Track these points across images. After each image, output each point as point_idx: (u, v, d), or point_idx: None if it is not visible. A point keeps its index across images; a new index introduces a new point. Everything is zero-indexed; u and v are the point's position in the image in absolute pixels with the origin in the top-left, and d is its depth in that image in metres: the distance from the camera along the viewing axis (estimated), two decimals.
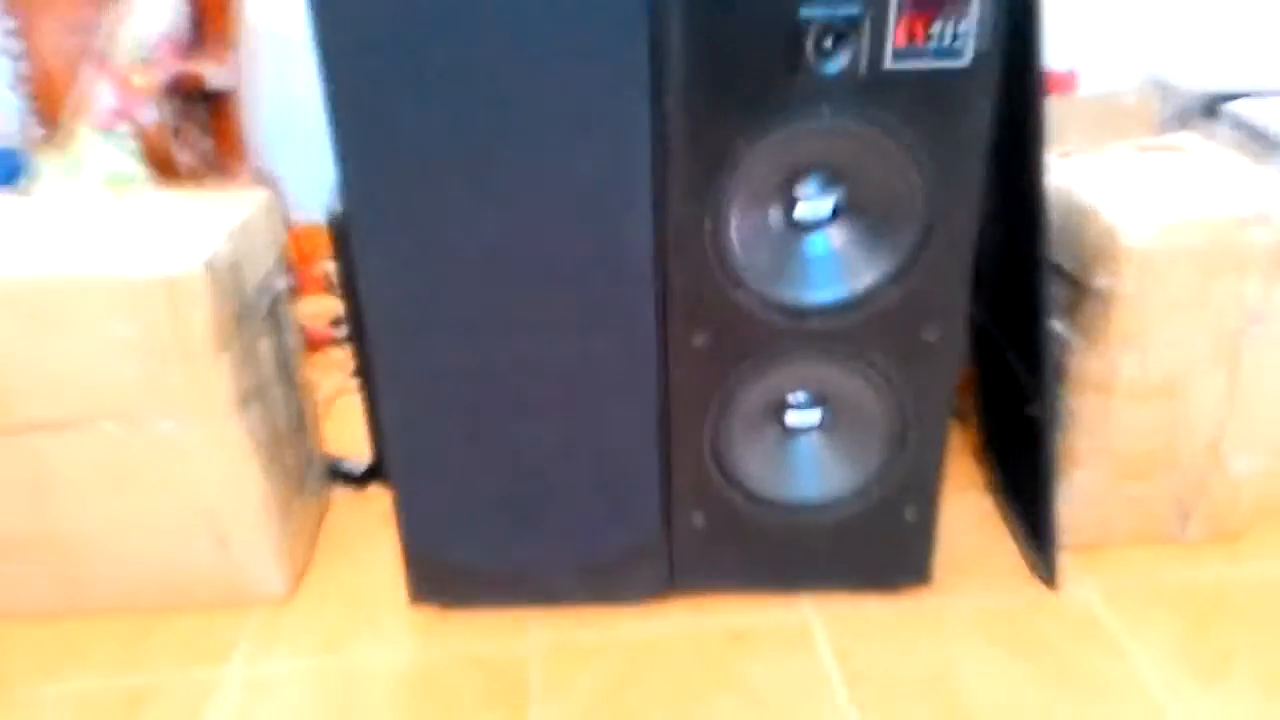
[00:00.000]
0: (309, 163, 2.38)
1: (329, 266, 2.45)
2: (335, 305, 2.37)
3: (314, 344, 2.22)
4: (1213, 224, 1.35)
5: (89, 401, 1.35)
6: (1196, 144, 1.62)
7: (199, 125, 2.01)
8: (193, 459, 1.38)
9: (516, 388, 1.28)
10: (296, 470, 1.58)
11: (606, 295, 1.24)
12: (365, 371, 1.43)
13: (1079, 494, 1.52)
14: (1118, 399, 1.44)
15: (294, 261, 2.42)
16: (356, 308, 1.33)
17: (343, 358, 2.18)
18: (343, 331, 2.31)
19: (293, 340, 1.59)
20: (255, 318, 1.45)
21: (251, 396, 1.41)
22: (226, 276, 1.35)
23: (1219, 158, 1.55)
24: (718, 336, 1.29)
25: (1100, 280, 1.38)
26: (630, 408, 1.31)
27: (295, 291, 2.40)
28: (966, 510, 1.68)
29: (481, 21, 1.09)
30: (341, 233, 1.30)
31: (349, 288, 1.36)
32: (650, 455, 1.34)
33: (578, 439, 1.32)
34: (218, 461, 1.39)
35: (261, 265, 1.49)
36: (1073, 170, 1.48)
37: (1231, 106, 2.00)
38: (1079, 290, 1.43)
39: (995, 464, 1.71)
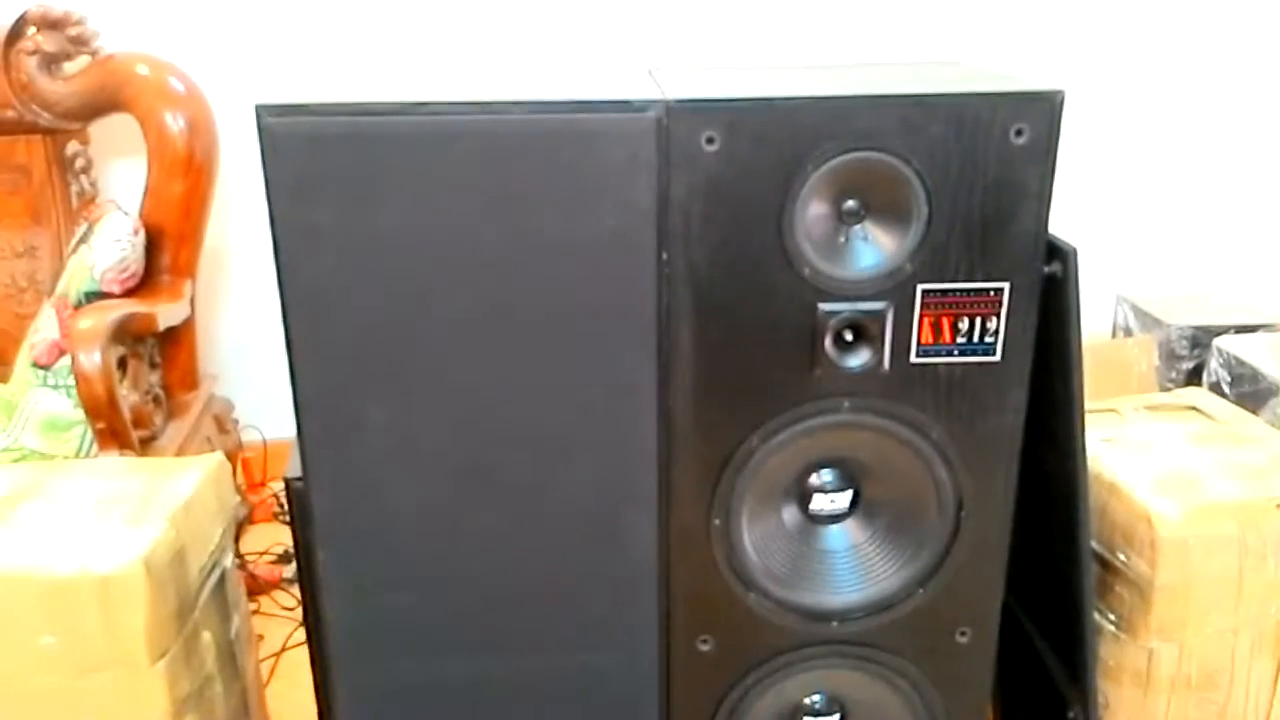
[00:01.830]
0: (265, 380, 2.27)
1: (279, 489, 2.29)
2: (284, 536, 2.21)
3: (260, 588, 2.04)
4: (1248, 507, 1.27)
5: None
6: (1207, 401, 1.55)
7: (147, 359, 1.88)
8: None
9: (500, 710, 1.12)
10: None
11: (606, 603, 1.10)
12: (314, 628, 1.26)
13: None
14: (1156, 692, 1.32)
15: (244, 492, 2.26)
16: (310, 565, 1.17)
17: (291, 603, 2.00)
18: (291, 571, 2.14)
19: (238, 621, 1.42)
20: (197, 608, 1.28)
21: (189, 705, 1.23)
22: (167, 570, 1.19)
23: (1235, 420, 1.48)
24: (726, 642, 1.15)
25: (1133, 565, 1.28)
26: None
27: (244, 524, 2.23)
28: None
29: (471, 316, 0.99)
30: (300, 499, 1.17)
31: (305, 552, 1.21)
32: None
33: None
34: None
35: (207, 545, 1.33)
36: (1090, 437, 1.40)
37: (1221, 343, 1.96)
38: (1108, 570, 1.33)
39: None
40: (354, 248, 0.95)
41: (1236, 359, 1.92)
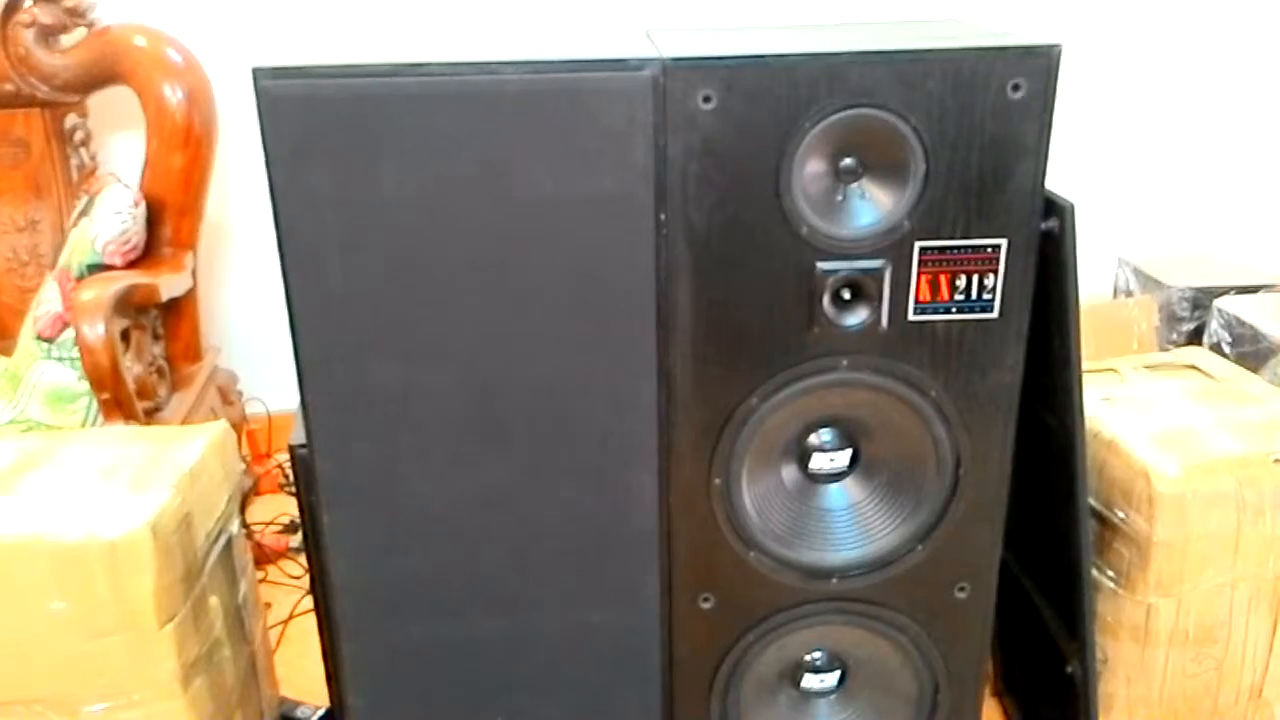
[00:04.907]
0: (269, 352, 2.28)
1: (284, 460, 2.31)
2: (290, 507, 2.23)
3: (267, 557, 2.05)
4: (1246, 462, 1.27)
5: (9, 685, 1.18)
6: (1206, 360, 1.56)
7: (151, 331, 1.88)
8: None
9: (504, 669, 1.13)
10: None
11: (609, 562, 1.11)
12: (320, 594, 1.28)
13: None
14: (1154, 646, 1.33)
15: (249, 463, 2.28)
16: (316, 530, 1.18)
17: (298, 572, 2.02)
18: (297, 541, 2.16)
19: (245, 586, 1.43)
20: (204, 573, 1.29)
21: (198, 668, 1.24)
22: (173, 536, 1.20)
23: (1234, 378, 1.48)
24: (728, 599, 1.17)
25: (1131, 522, 1.29)
26: (631, 682, 1.17)
27: (250, 495, 2.25)
28: None
29: (470, 278, 1.00)
30: (305, 465, 1.18)
31: (310, 516, 1.22)
32: None
33: None
34: None
35: (213, 511, 1.34)
36: (1090, 396, 1.41)
37: (1222, 304, 1.96)
38: (1106, 527, 1.34)
39: (1016, 701, 1.57)
40: (353, 209, 0.96)
41: (1237, 319, 1.92)
